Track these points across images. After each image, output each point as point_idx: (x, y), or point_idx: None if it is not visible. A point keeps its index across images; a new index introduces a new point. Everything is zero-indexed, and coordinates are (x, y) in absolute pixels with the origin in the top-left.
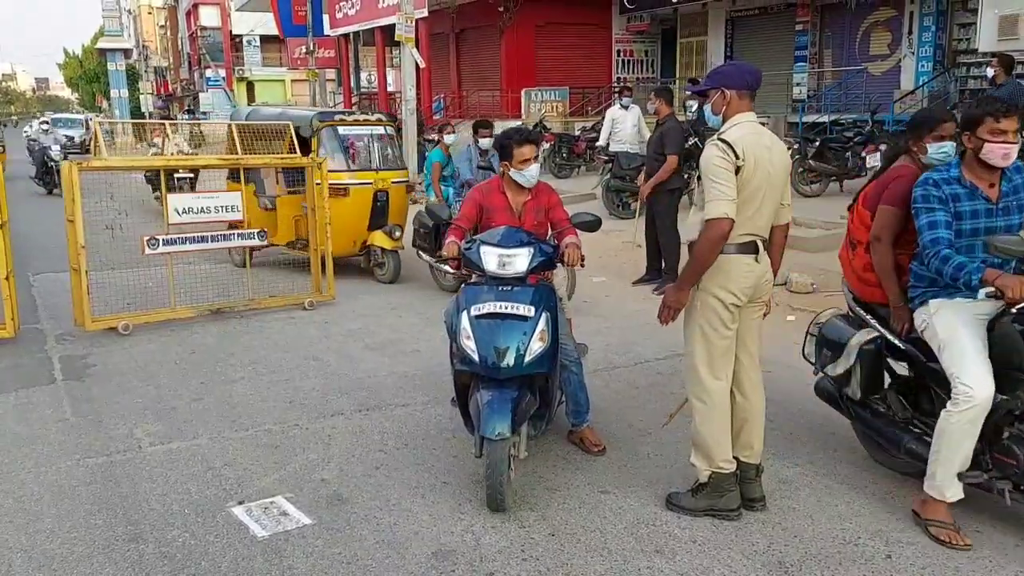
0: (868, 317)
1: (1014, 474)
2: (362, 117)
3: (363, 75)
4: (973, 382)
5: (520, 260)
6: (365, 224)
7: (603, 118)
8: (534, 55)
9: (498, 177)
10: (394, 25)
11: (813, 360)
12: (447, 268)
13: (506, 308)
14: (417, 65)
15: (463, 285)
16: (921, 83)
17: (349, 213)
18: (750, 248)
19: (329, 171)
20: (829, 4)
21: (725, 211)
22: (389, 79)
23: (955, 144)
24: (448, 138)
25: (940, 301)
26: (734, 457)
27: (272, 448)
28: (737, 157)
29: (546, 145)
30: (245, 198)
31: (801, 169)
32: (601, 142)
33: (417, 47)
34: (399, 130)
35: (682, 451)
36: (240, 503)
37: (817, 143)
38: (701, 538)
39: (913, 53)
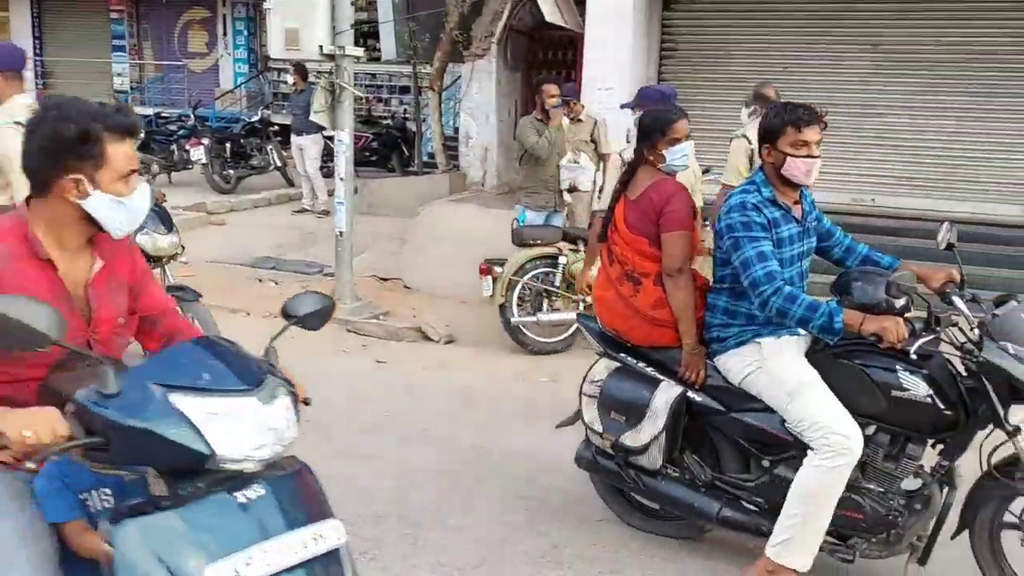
0: (640, 364)
1: (861, 527)
2: None
3: None
4: (848, 431)
5: (284, 418)
6: None
7: None
8: None
9: (16, 217)
10: None
11: (599, 428)
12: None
13: (302, 545)
14: None
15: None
16: (239, 83)
17: None
18: None
19: None
20: None
21: None
22: None
23: (692, 145)
24: None
25: (771, 341)
26: None
27: None
28: None
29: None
30: None
31: None
32: None
33: None
34: None
35: None
36: None
37: (142, 135)
38: None
39: (230, 54)
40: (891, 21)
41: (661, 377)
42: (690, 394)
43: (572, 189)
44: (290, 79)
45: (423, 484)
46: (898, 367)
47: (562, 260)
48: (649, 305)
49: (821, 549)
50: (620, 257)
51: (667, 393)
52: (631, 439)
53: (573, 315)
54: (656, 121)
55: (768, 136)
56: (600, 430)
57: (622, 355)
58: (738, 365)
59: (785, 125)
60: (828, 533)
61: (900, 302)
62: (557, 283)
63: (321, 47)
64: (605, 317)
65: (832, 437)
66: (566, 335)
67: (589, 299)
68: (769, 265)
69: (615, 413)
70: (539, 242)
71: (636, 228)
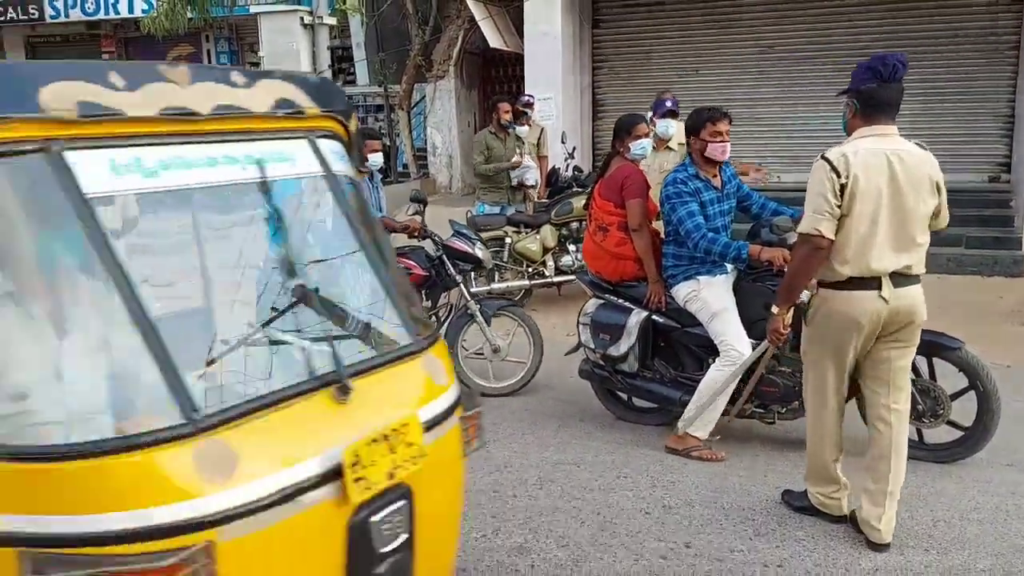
0: (618, 300)
1: (776, 399)
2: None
3: None
4: (743, 347)
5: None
6: None
7: None
8: None
9: None
10: None
11: (593, 346)
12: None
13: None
14: None
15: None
16: None
17: None
18: None
19: None
20: (132, 37)
21: None
22: None
23: (650, 140)
24: None
25: (707, 278)
26: None
27: None
28: None
29: None
30: None
31: None
32: None
33: None
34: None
35: None
36: None
37: None
38: None
39: None
40: (777, 26)
41: (631, 307)
42: (654, 317)
43: (520, 186)
44: None
45: None
46: None
47: (507, 240)
48: (613, 244)
49: (750, 417)
50: (595, 216)
51: (637, 317)
52: (614, 351)
53: (520, 283)
54: (624, 124)
55: (692, 131)
56: (593, 347)
57: (605, 294)
58: (683, 292)
59: (704, 121)
60: (755, 405)
61: (789, 237)
62: (505, 259)
63: None
64: (589, 263)
65: (731, 352)
66: (516, 299)
67: (532, 269)
68: (696, 219)
69: (602, 334)
70: (488, 227)
71: (605, 196)
